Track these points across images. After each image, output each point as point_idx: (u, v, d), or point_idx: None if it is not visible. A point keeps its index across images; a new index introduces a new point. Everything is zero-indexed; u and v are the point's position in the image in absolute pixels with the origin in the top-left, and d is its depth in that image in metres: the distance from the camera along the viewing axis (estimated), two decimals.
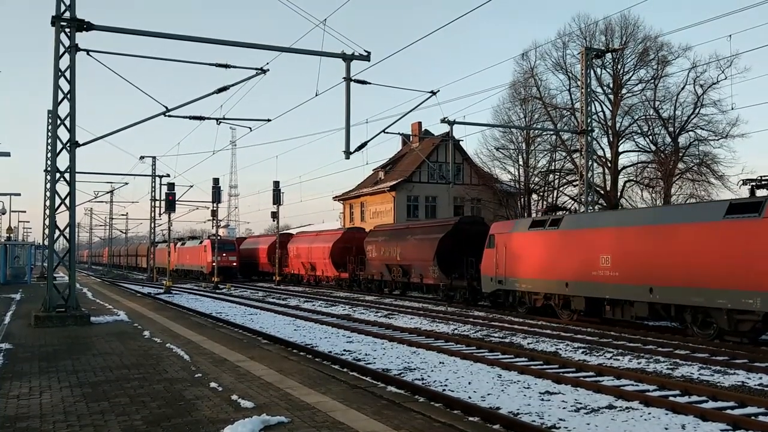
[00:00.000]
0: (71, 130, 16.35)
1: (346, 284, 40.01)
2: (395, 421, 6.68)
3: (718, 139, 38.90)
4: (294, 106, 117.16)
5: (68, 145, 16.41)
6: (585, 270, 19.76)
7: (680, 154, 39.62)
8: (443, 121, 26.92)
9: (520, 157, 45.98)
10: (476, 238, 26.90)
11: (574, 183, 40.00)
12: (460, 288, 27.84)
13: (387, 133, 25.10)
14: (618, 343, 16.23)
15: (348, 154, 20.68)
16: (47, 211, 17.24)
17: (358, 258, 38.05)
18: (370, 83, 20.30)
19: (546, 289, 21.88)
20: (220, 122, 22.32)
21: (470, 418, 8.47)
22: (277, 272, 48.31)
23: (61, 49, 16.05)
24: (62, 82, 16.22)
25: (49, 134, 25.24)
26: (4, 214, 45.99)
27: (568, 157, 42.30)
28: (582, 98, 28.95)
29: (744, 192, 19.38)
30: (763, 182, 16.15)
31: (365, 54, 18.65)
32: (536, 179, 45.36)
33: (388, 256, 33.71)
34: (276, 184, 47.89)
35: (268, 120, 22.98)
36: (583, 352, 15.26)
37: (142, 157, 48.70)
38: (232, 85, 18.36)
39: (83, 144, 16.97)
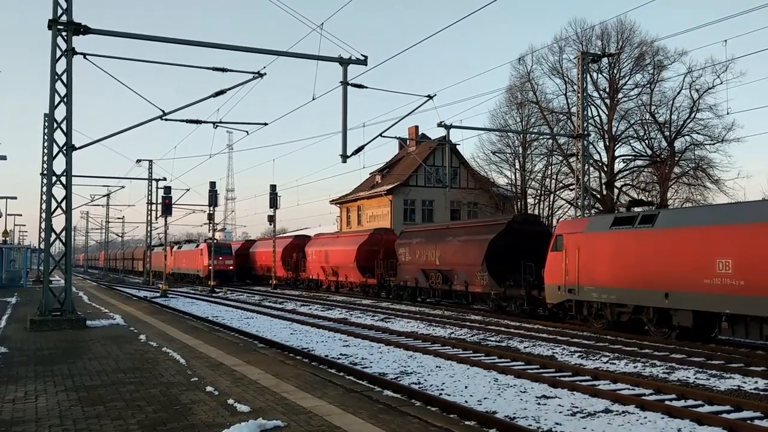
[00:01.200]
0: (68, 134, 16.34)
1: (374, 291, 36.40)
2: (391, 425, 6.68)
3: (713, 144, 39.04)
4: (291, 110, 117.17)
5: (65, 148, 16.39)
6: (694, 278, 16.32)
7: (676, 159, 39.71)
8: (440, 125, 26.97)
9: (516, 161, 46.09)
10: (533, 240, 24.34)
11: (571, 187, 40.08)
12: (515, 297, 24.44)
13: (384, 137, 25.15)
14: (614, 347, 16.25)
15: (345, 157, 20.70)
16: (44, 215, 17.20)
17: (388, 262, 34.52)
18: (366, 87, 20.34)
19: (636, 300, 18.34)
20: (217, 126, 22.42)
21: (466, 422, 8.48)
22: (274, 276, 48.28)
23: (58, 53, 16.05)
24: (59, 86, 16.21)
25: (46, 137, 25.21)
26: (0, 217, 45.92)
27: (564, 161, 42.38)
28: (578, 102, 29.03)
29: None
30: None
31: (362, 58, 18.69)
32: (533, 183, 45.46)
33: (424, 260, 30.09)
34: (273, 187, 47.92)
35: (265, 124, 23.06)
36: (579, 356, 15.27)
37: (138, 161, 48.66)
38: (229, 88, 18.40)
39: (80, 147, 16.96)
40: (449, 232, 29.64)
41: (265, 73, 18.38)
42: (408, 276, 32.01)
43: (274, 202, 47.75)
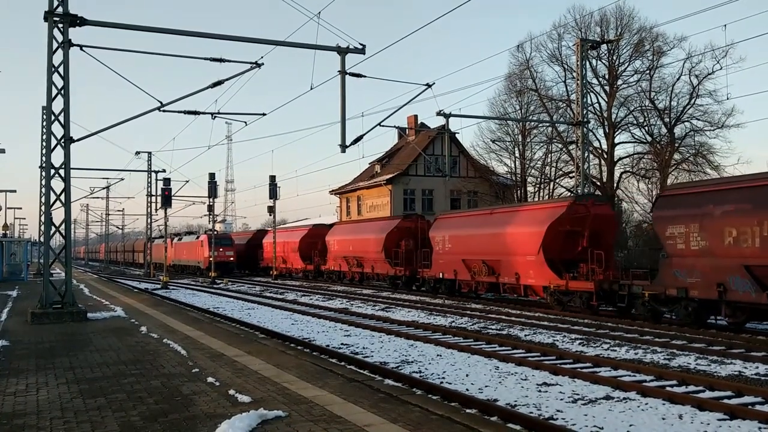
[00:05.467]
0: (65, 126, 16.29)
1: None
2: (392, 414, 6.68)
3: (713, 130, 38.97)
4: (289, 100, 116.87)
5: (63, 141, 16.34)
6: None
7: (676, 145, 39.65)
8: (439, 113, 26.94)
9: (516, 149, 46.01)
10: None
11: (571, 175, 40.03)
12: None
13: (383, 126, 25.15)
14: (615, 334, 16.26)
15: (344, 147, 20.66)
16: (43, 208, 17.18)
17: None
18: (365, 76, 20.27)
19: None
20: (215, 117, 22.36)
21: (468, 410, 8.48)
22: (274, 267, 48.30)
23: (55, 45, 15.96)
24: (56, 78, 16.14)
25: (44, 130, 25.16)
26: (0, 210, 45.90)
27: (564, 149, 42.31)
28: (578, 90, 28.95)
29: None
30: None
31: (360, 47, 18.59)
32: (533, 171, 45.40)
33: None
34: (272, 178, 47.86)
35: (263, 114, 23.01)
36: (580, 344, 15.29)
37: (137, 153, 48.74)
38: (227, 79, 18.31)
39: (78, 140, 16.91)
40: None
41: (263, 63, 18.30)
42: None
43: (273, 193, 47.71)
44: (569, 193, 38.75)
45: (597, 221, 22.13)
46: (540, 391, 10.51)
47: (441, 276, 28.85)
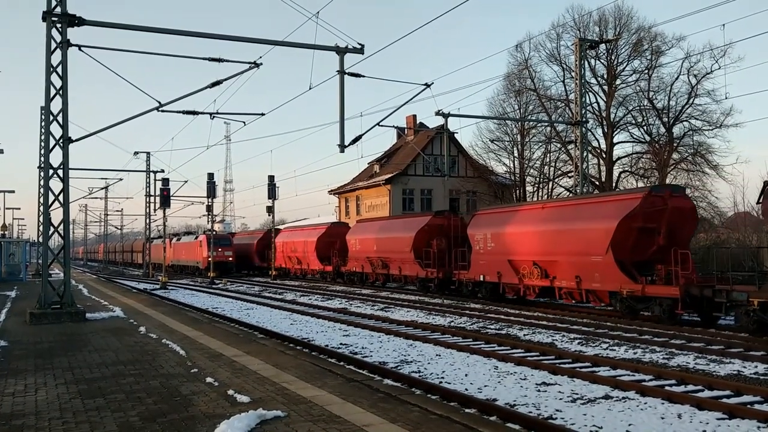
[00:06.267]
0: (64, 126, 16.27)
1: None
2: (392, 414, 6.68)
3: (712, 129, 38.97)
4: (288, 100, 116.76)
5: (61, 141, 16.33)
6: None
7: (675, 144, 39.66)
8: (438, 113, 26.93)
9: (515, 148, 45.99)
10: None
11: (570, 174, 40.04)
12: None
13: (381, 126, 25.18)
14: (614, 334, 16.27)
15: (343, 147, 20.65)
16: (41, 208, 17.17)
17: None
18: (363, 76, 20.26)
19: None
20: (214, 117, 22.40)
21: (467, 410, 8.49)
22: (273, 266, 48.27)
23: (53, 45, 15.95)
24: (54, 78, 16.12)
25: (42, 130, 25.14)
26: None
27: (562, 149, 42.31)
28: (576, 89, 28.95)
29: None
30: None
31: (359, 47, 18.58)
32: (532, 171, 45.41)
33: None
34: (271, 178, 47.88)
35: (262, 114, 23.02)
36: (579, 343, 15.30)
37: (136, 153, 48.70)
38: (226, 79, 18.30)
39: (76, 140, 16.90)
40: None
41: (261, 63, 18.30)
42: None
43: (272, 193, 47.71)
44: (569, 193, 38.75)
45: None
46: (539, 390, 10.51)
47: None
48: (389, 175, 47.92)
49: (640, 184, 40.39)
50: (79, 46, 16.19)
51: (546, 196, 42.72)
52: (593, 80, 40.07)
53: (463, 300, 21.08)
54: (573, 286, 21.16)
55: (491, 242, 25.40)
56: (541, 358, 13.37)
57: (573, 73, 31.38)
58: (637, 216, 19.21)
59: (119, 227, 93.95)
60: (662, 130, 40.61)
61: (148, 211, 53.36)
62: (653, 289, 18.37)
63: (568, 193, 39.50)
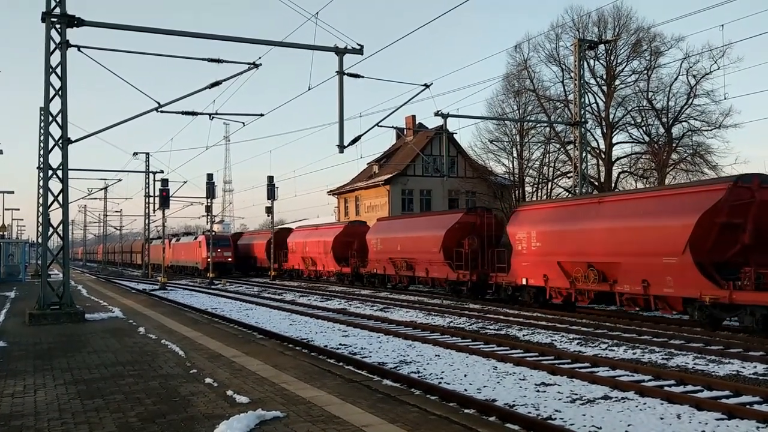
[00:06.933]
0: (63, 127, 16.27)
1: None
2: (391, 415, 6.68)
3: (711, 129, 39.05)
4: (287, 101, 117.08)
5: (60, 142, 16.33)
6: None
7: (674, 145, 39.72)
8: (437, 114, 26.93)
9: (514, 149, 45.99)
10: None
11: (569, 175, 40.06)
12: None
13: (381, 126, 25.14)
14: (613, 334, 16.27)
15: (342, 148, 20.66)
16: (40, 209, 17.17)
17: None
18: (363, 77, 20.27)
19: None
20: (213, 117, 22.41)
21: (466, 411, 8.49)
22: (273, 267, 48.23)
23: (52, 46, 15.94)
24: (53, 79, 16.12)
25: (42, 131, 25.15)
26: None
27: (562, 149, 42.33)
28: (575, 90, 28.96)
29: None
30: None
31: (358, 47, 18.59)
32: (531, 171, 45.43)
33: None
34: (270, 179, 47.85)
35: (261, 115, 23.02)
36: (578, 344, 15.30)
37: (135, 154, 48.78)
38: (225, 79, 18.31)
39: (76, 141, 16.90)
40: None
41: (261, 64, 18.28)
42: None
43: (271, 194, 47.70)
44: (567, 194, 38.70)
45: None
46: (538, 391, 10.51)
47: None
48: (388, 176, 47.93)
49: (639, 185, 40.46)
50: (79, 47, 16.19)
51: (545, 197, 42.69)
52: (592, 81, 40.16)
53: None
54: (638, 292, 18.40)
55: (536, 241, 22.62)
56: (540, 358, 13.37)
57: (572, 74, 31.40)
58: (721, 210, 16.51)
59: (118, 228, 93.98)
60: (661, 130, 40.68)
61: (147, 211, 53.38)
62: (745, 296, 15.57)
63: (567, 194, 39.49)
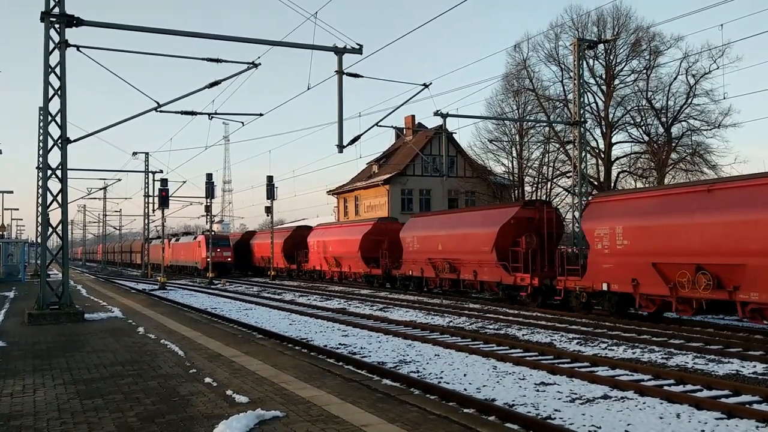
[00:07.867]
0: (62, 127, 16.25)
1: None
2: (390, 414, 6.67)
3: (710, 129, 39.09)
4: (286, 101, 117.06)
5: (60, 141, 16.31)
6: None
7: (673, 144, 39.74)
8: (436, 113, 26.89)
9: (513, 149, 46.08)
10: None
11: (568, 174, 40.06)
12: None
13: (380, 126, 25.16)
14: (613, 334, 16.27)
15: (341, 147, 20.63)
16: (40, 209, 17.15)
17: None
18: (362, 76, 20.23)
19: None
20: (212, 117, 22.37)
21: (465, 410, 8.48)
22: (271, 267, 48.21)
23: (51, 45, 15.92)
24: (53, 79, 16.10)
25: (41, 131, 25.12)
26: None
27: (561, 149, 42.34)
28: (575, 89, 28.93)
29: None
30: None
31: (357, 47, 18.58)
32: (530, 171, 45.46)
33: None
34: (269, 178, 47.82)
35: (261, 114, 22.99)
36: (577, 343, 15.30)
37: (134, 153, 48.70)
38: (224, 79, 18.29)
39: (75, 140, 16.89)
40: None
41: (260, 64, 18.28)
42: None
43: (271, 193, 47.68)
44: (567, 193, 38.64)
45: None
46: (538, 390, 10.51)
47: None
48: (388, 176, 47.93)
49: (639, 185, 40.48)
50: (78, 47, 16.18)
51: (545, 197, 42.66)
52: (592, 80, 40.18)
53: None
54: (725, 297, 15.81)
55: (623, 239, 18.98)
56: (539, 357, 13.37)
57: (571, 73, 31.38)
58: None
59: (118, 228, 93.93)
60: (661, 130, 40.70)
61: (146, 211, 53.35)
62: None
63: (566, 194, 39.49)
